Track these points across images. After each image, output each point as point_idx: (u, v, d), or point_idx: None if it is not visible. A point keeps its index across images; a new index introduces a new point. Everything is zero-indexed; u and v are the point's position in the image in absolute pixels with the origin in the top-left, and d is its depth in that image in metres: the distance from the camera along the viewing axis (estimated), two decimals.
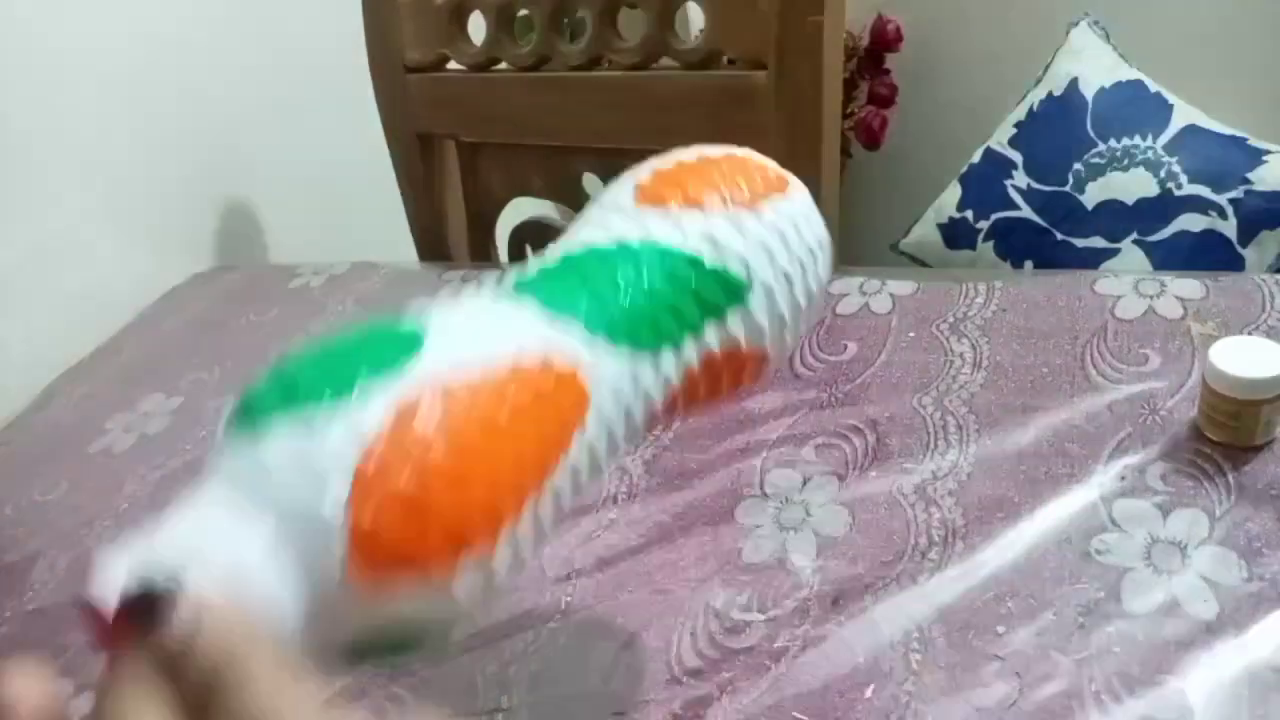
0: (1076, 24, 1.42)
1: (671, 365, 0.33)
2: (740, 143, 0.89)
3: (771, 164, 0.38)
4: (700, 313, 0.34)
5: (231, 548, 0.23)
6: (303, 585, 0.23)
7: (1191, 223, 1.26)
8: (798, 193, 0.37)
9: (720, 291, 0.34)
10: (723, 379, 0.35)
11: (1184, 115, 1.32)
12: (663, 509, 0.55)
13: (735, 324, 0.34)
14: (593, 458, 0.30)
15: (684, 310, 0.33)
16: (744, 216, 0.35)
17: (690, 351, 0.33)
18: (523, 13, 0.86)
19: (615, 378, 0.31)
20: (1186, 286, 0.61)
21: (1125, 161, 1.32)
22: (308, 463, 0.24)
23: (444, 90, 0.93)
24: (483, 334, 0.30)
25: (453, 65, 0.92)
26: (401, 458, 0.24)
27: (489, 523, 0.25)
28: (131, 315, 0.97)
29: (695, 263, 0.34)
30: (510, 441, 0.26)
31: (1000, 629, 0.43)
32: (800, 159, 0.76)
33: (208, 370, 0.82)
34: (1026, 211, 1.40)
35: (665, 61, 0.81)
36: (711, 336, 0.34)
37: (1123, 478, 0.49)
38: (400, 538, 0.24)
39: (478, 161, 0.98)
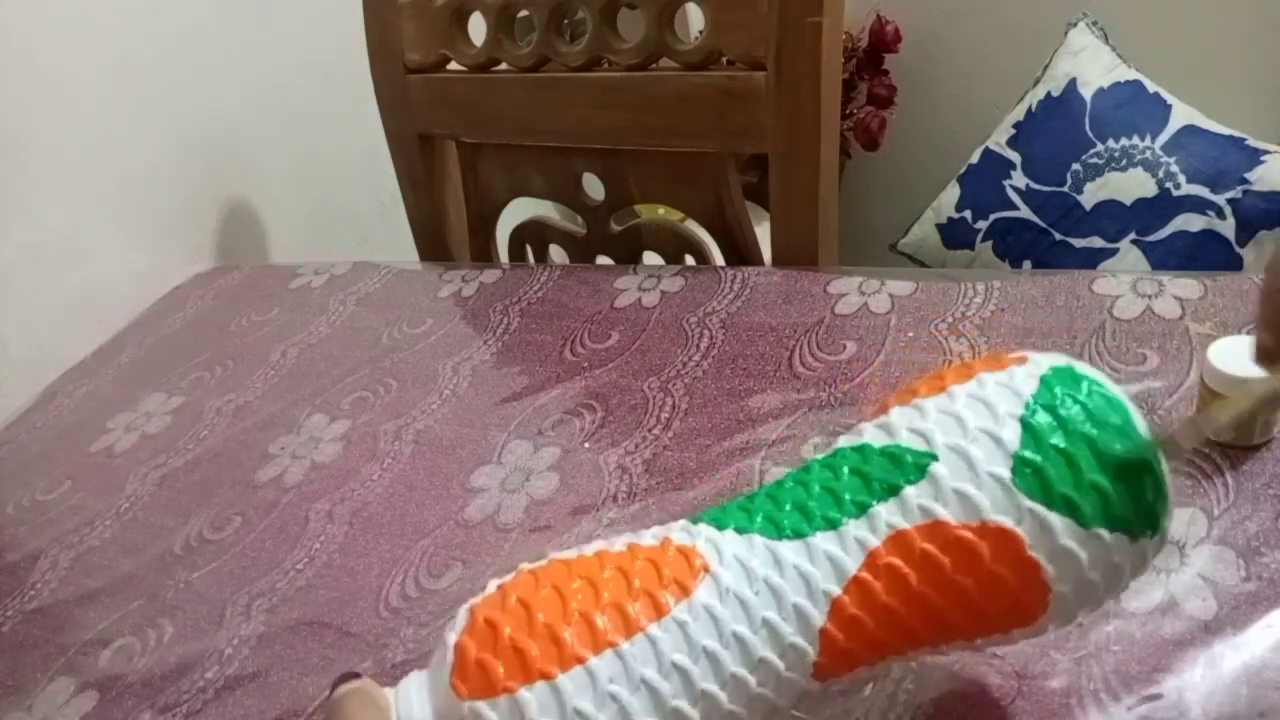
0: (1075, 24, 1.42)
1: (835, 544, 0.33)
2: (740, 143, 0.89)
3: (1022, 353, 0.35)
4: (867, 491, 0.33)
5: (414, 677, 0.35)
6: (429, 692, 0.34)
7: (1189, 223, 1.26)
8: (1018, 366, 0.34)
9: (892, 468, 0.33)
10: (944, 562, 0.32)
11: (1182, 115, 1.32)
12: (663, 508, 0.55)
13: (921, 497, 0.32)
14: (710, 621, 0.32)
15: (841, 492, 0.34)
16: (930, 400, 0.35)
17: (858, 530, 0.33)
18: (523, 13, 0.86)
19: (746, 557, 0.33)
20: (1185, 286, 0.61)
21: (1123, 161, 1.32)
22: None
23: (445, 91, 0.93)
24: (614, 539, 0.36)
25: (453, 66, 0.92)
26: (487, 607, 0.34)
27: (538, 660, 0.31)
28: (133, 315, 0.97)
29: (860, 449, 0.35)
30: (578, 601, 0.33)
31: None
32: (799, 159, 0.76)
33: (209, 370, 0.83)
34: (1025, 211, 1.40)
35: (665, 62, 0.81)
36: (891, 514, 0.32)
37: None
38: (477, 659, 0.32)
39: (478, 162, 0.98)
